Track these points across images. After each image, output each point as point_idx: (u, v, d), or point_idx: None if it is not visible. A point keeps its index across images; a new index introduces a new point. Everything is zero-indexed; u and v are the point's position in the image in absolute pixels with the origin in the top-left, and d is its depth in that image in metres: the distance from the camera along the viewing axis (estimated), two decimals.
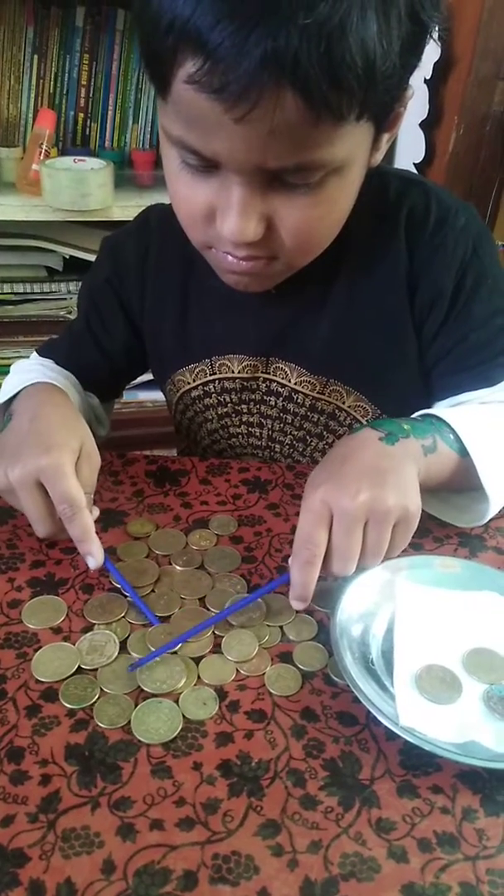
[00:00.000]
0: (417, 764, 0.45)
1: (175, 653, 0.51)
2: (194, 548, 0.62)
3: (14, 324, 1.60)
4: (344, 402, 0.74)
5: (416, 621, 0.53)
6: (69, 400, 0.68)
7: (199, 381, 0.78)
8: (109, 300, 0.79)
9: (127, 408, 1.64)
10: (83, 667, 0.50)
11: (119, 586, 0.57)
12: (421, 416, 0.64)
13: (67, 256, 1.55)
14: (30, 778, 0.43)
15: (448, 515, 0.65)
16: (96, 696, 0.48)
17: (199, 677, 0.50)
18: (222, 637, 0.53)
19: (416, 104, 1.38)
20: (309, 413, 0.76)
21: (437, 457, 0.60)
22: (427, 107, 1.40)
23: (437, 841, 0.41)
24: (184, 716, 0.47)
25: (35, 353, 0.82)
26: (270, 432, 0.80)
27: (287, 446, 0.80)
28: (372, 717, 0.46)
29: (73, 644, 0.52)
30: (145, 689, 0.49)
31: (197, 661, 0.51)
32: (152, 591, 0.58)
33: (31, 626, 0.54)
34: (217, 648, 0.52)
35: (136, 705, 0.48)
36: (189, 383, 0.79)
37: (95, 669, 0.50)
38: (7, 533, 0.63)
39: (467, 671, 0.50)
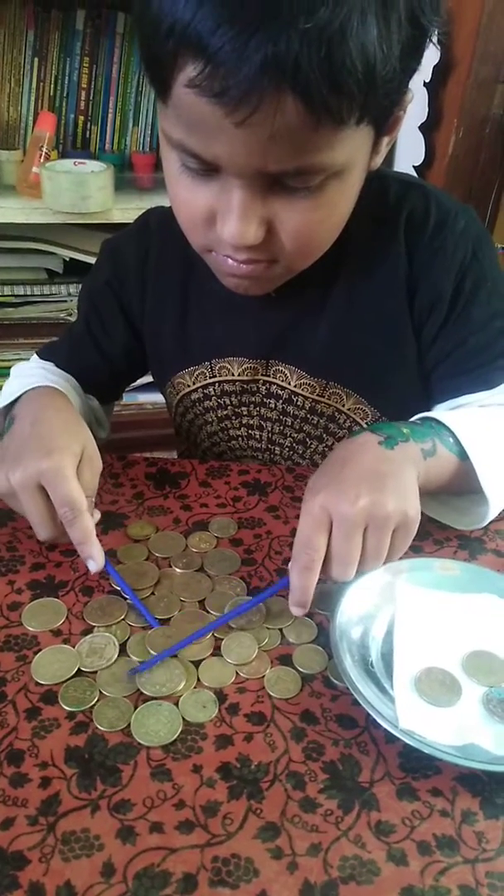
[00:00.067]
0: (417, 767, 0.45)
1: (175, 656, 0.51)
2: (194, 550, 0.62)
3: (14, 326, 1.61)
4: (343, 405, 0.74)
5: (415, 624, 0.53)
6: (71, 404, 0.68)
7: (199, 384, 0.78)
8: (109, 303, 0.79)
9: (127, 410, 1.64)
10: (83, 669, 0.50)
11: (119, 589, 0.57)
12: (420, 419, 0.64)
13: (67, 259, 1.55)
14: (30, 780, 0.43)
15: (448, 518, 0.65)
16: (96, 699, 0.48)
17: (198, 680, 0.50)
18: (222, 640, 0.53)
19: (416, 107, 1.38)
20: (309, 415, 0.76)
21: (436, 460, 0.60)
22: (427, 110, 1.40)
23: (436, 844, 0.41)
24: (183, 718, 0.47)
25: (35, 356, 0.83)
26: (270, 435, 0.80)
27: (287, 449, 0.80)
28: (371, 720, 0.46)
29: (73, 647, 0.52)
30: (145, 692, 0.49)
31: (196, 663, 0.51)
32: (152, 593, 0.58)
33: (30, 629, 0.54)
34: (217, 651, 0.52)
35: (135, 708, 0.48)
36: (189, 386, 0.79)
37: (95, 672, 0.50)
38: (7, 535, 0.63)
39: (467, 674, 0.50)
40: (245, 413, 0.79)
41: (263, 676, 0.51)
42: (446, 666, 0.51)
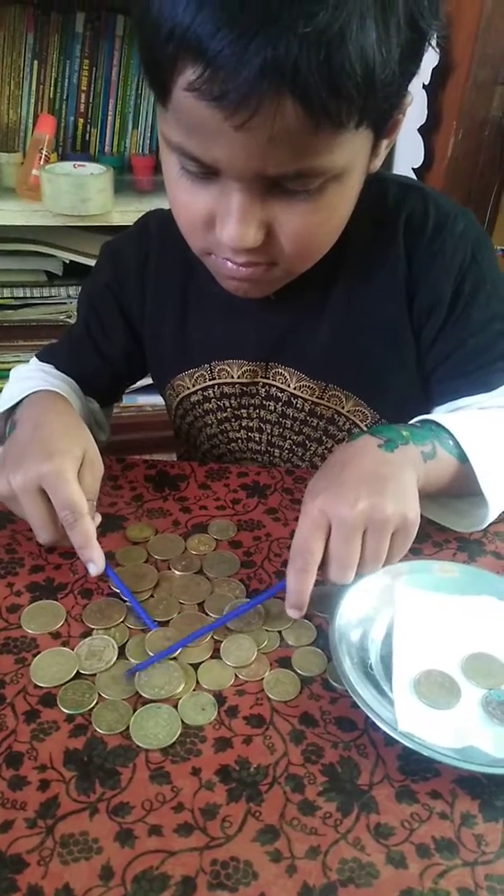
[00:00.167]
0: (416, 769, 0.45)
1: (174, 658, 0.51)
2: (193, 552, 0.62)
3: (14, 328, 1.61)
4: (343, 407, 0.74)
5: (414, 626, 0.53)
6: (72, 407, 0.68)
7: (198, 386, 0.78)
8: (109, 305, 0.79)
9: (126, 412, 1.64)
10: (82, 672, 0.50)
11: (118, 591, 0.57)
12: (420, 422, 0.64)
13: (67, 261, 1.56)
14: (28, 783, 0.43)
15: (447, 520, 0.65)
16: (95, 702, 0.48)
17: (197, 682, 0.50)
18: (221, 642, 0.53)
19: (415, 109, 1.38)
20: (308, 418, 0.76)
21: (436, 463, 0.60)
22: (426, 112, 1.41)
23: (435, 846, 0.41)
24: (182, 721, 0.47)
25: (35, 358, 0.83)
26: (270, 437, 0.80)
27: (286, 451, 0.80)
28: (371, 723, 0.46)
29: (72, 649, 0.52)
30: (144, 694, 0.49)
31: (196, 666, 0.51)
32: (151, 595, 0.58)
33: (29, 631, 0.54)
34: (216, 654, 0.52)
35: (134, 710, 0.48)
36: (189, 388, 0.79)
37: (94, 675, 0.50)
38: (6, 538, 0.63)
39: (466, 676, 0.50)
40: (244, 415, 0.79)
41: (262, 679, 0.51)
42: (446, 668, 0.51)
